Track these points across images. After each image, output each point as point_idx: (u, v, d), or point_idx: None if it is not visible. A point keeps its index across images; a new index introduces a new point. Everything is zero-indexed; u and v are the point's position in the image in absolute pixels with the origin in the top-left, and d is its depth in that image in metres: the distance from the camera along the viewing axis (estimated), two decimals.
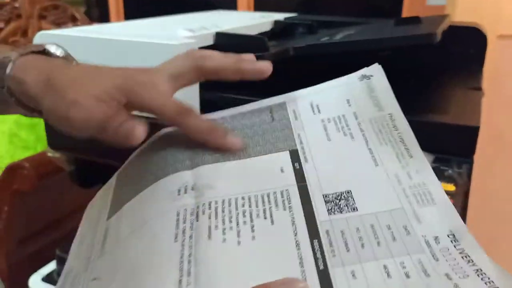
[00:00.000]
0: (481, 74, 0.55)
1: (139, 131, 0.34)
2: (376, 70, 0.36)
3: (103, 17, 2.18)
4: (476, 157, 0.39)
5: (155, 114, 0.35)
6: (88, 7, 2.46)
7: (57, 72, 0.36)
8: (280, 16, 0.77)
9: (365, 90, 0.35)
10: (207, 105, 0.49)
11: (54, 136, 0.56)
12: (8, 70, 0.37)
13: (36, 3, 1.49)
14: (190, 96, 0.48)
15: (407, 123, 0.31)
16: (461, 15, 0.96)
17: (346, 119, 0.33)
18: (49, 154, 0.57)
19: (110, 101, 0.34)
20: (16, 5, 1.47)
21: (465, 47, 0.62)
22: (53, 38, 0.52)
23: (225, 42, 0.55)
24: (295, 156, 0.31)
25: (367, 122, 0.32)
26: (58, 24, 1.48)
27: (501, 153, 1.12)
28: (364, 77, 0.36)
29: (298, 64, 0.56)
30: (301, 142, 0.32)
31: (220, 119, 0.36)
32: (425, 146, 0.40)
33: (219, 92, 0.49)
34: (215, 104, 0.49)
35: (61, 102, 0.34)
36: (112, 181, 0.38)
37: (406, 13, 1.45)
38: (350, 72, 0.63)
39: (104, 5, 2.14)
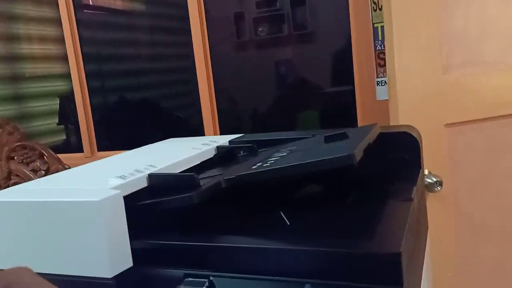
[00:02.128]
0: (414, 184, 0.55)
1: None
2: None
3: (80, 147, 2.23)
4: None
5: None
6: (67, 136, 2.54)
7: None
8: (226, 139, 0.79)
9: None
10: (138, 254, 0.48)
11: None
12: None
13: (4, 145, 1.52)
14: (120, 246, 0.47)
15: None
16: (405, 110, 0.98)
17: None
18: None
19: None
20: None
21: (400, 153, 0.63)
22: None
23: (158, 183, 0.56)
24: None
25: None
26: (27, 164, 1.50)
27: (480, 239, 1.09)
28: None
29: (233, 193, 0.56)
30: None
31: None
32: (350, 277, 0.39)
33: (146, 240, 0.48)
34: (146, 252, 0.48)
35: None
36: None
37: (359, 109, 1.52)
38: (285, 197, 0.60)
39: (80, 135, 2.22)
